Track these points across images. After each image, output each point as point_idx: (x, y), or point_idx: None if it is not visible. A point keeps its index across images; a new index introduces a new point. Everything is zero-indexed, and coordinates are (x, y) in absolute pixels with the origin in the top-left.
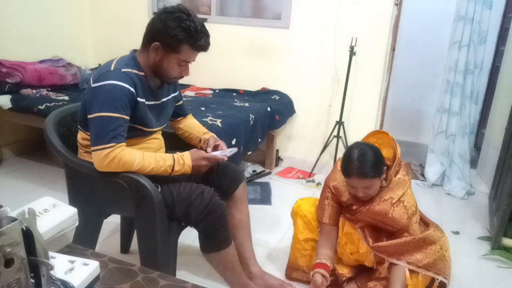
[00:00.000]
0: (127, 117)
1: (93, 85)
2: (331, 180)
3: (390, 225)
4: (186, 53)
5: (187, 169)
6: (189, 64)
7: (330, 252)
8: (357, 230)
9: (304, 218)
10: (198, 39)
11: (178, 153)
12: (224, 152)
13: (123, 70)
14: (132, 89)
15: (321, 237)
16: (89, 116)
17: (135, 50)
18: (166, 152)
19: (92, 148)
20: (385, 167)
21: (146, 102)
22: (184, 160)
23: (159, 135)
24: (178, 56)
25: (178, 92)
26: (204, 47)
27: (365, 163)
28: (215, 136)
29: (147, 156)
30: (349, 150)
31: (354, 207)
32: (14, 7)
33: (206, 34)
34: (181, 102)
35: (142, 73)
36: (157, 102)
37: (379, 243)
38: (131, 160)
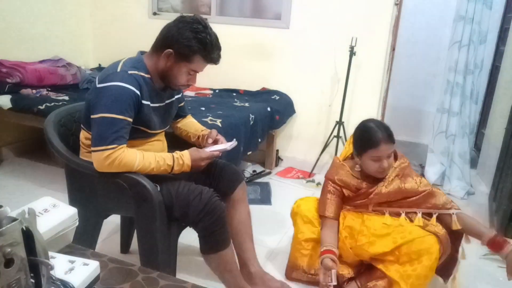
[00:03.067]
0: (131, 120)
1: (98, 85)
2: (334, 174)
3: (407, 195)
4: (197, 64)
5: (186, 169)
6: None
7: (335, 242)
8: (370, 214)
9: (304, 218)
10: (212, 52)
11: (178, 152)
12: (224, 146)
13: (129, 72)
14: (138, 92)
15: (324, 229)
16: (92, 116)
17: (142, 53)
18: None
19: (93, 149)
20: None
21: (151, 105)
22: (183, 161)
23: (162, 137)
24: (189, 65)
25: (181, 94)
26: (216, 60)
27: (387, 128)
28: (216, 130)
29: (147, 156)
30: (363, 125)
31: (364, 189)
32: (14, 7)
33: (219, 48)
34: (182, 104)
35: (148, 76)
36: (161, 104)
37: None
38: (132, 161)
